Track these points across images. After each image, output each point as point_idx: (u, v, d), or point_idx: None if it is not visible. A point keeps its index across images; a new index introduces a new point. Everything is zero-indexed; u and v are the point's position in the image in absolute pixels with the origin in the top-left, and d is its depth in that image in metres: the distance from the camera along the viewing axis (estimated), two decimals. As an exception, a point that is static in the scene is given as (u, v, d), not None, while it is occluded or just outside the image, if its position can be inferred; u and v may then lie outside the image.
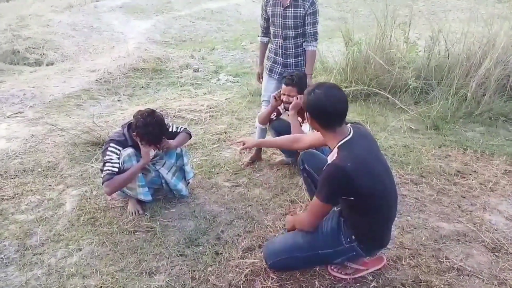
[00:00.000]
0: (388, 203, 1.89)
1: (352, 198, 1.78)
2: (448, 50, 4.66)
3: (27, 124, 4.32)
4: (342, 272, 2.14)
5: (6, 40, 7.45)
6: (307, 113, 1.87)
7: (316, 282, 2.10)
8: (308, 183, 2.41)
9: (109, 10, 11.00)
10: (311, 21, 3.04)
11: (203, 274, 2.18)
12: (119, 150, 2.60)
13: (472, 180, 3.05)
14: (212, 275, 2.18)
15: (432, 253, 2.30)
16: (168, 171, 2.80)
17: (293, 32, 3.11)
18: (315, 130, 1.98)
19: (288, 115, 2.96)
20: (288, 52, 3.21)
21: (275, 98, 3.01)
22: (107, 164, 2.54)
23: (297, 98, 2.82)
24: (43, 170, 3.31)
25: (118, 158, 2.58)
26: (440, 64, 4.71)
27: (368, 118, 4.23)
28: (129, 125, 2.66)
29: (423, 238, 2.43)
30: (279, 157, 3.41)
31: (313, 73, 3.37)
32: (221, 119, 4.37)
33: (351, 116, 4.32)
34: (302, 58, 3.22)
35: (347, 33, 5.09)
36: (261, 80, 3.45)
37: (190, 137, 2.97)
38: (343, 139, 1.81)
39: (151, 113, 2.55)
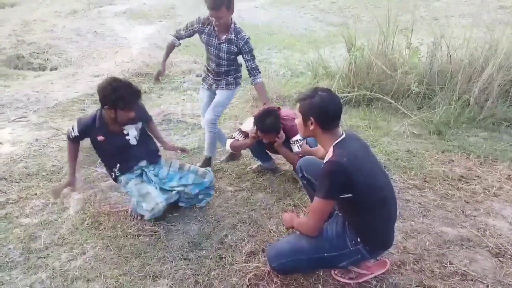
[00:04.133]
0: (385, 201, 1.90)
1: (350, 195, 1.79)
2: (450, 56, 4.68)
3: (31, 128, 4.35)
4: (346, 277, 2.14)
5: (11, 45, 7.49)
6: (311, 117, 1.89)
7: (320, 287, 2.10)
8: (308, 189, 2.43)
9: (113, 16, 11.07)
10: (249, 58, 3.09)
11: (207, 278, 2.19)
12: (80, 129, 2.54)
13: (476, 185, 3.05)
14: (216, 279, 2.18)
15: (436, 258, 2.30)
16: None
17: (226, 63, 3.18)
18: (309, 136, 2.00)
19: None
20: (220, 75, 3.26)
21: (253, 137, 2.99)
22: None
23: (278, 138, 2.92)
24: (47, 174, 3.33)
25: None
26: (443, 70, 4.72)
27: (371, 123, 4.24)
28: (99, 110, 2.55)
29: (427, 243, 2.43)
30: (256, 162, 3.43)
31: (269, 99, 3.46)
32: (223, 124, 4.38)
33: (354, 121, 4.33)
34: (233, 72, 3.28)
35: (350, 38, 5.11)
36: (159, 78, 3.40)
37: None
38: (337, 139, 1.88)
39: (114, 78, 2.44)
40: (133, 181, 2.64)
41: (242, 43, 3.04)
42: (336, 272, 2.18)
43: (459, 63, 4.56)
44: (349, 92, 4.76)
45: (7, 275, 2.24)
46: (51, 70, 6.94)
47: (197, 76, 6.39)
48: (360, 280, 2.12)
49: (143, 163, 2.71)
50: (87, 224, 2.67)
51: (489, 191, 2.96)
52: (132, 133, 2.60)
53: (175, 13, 11.84)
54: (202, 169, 2.83)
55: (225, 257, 2.34)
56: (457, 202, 2.85)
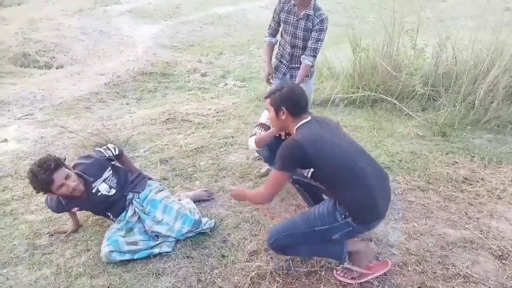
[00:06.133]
0: (361, 174, 1.93)
1: (312, 169, 1.96)
2: (455, 57, 4.66)
3: (37, 126, 4.39)
4: (348, 277, 2.14)
5: (17, 43, 7.54)
6: (282, 107, 2.05)
7: (322, 286, 2.11)
8: (302, 192, 2.45)
9: (118, 15, 11.12)
10: (315, 36, 3.06)
11: (209, 277, 2.20)
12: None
13: (480, 187, 3.04)
14: (218, 277, 2.19)
15: (439, 260, 2.30)
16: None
17: (301, 43, 3.15)
18: (282, 127, 2.15)
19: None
20: (294, 59, 3.25)
21: None
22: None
23: None
24: (53, 171, 3.35)
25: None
26: (448, 71, 4.70)
27: (375, 124, 4.24)
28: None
29: (430, 244, 2.43)
30: (265, 166, 3.36)
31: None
32: (228, 123, 4.39)
33: (358, 122, 4.33)
34: None
35: (354, 39, 5.11)
36: (271, 80, 3.46)
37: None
38: (302, 121, 2.05)
39: (31, 167, 2.25)
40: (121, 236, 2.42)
41: (318, 20, 3.02)
42: (338, 272, 2.18)
43: (465, 64, 4.54)
44: (353, 93, 4.76)
45: (12, 271, 2.27)
46: (57, 68, 6.99)
47: (201, 75, 6.41)
48: (362, 280, 2.13)
49: (130, 195, 2.55)
50: (91, 221, 2.70)
51: (493, 194, 2.95)
52: (103, 187, 2.43)
53: (180, 12, 11.87)
54: (205, 218, 2.65)
55: (228, 256, 2.35)
56: (460, 204, 2.85)
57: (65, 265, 2.30)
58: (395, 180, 3.15)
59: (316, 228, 2.00)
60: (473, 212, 2.75)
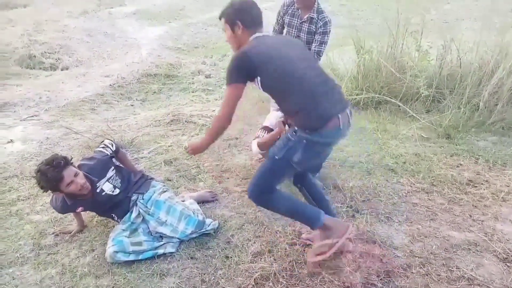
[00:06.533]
0: (304, 79, 1.97)
1: (259, 78, 2.00)
2: (460, 59, 4.65)
3: (42, 127, 4.42)
4: (318, 256, 2.13)
5: (23, 44, 7.61)
6: (237, 21, 2.08)
7: (326, 288, 2.11)
8: (304, 192, 2.47)
9: (123, 17, 11.18)
10: (319, 39, 3.07)
11: (213, 277, 2.21)
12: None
13: (484, 189, 3.03)
14: (222, 278, 2.20)
15: (443, 262, 2.29)
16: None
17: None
18: (241, 45, 2.11)
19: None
20: None
21: (283, 123, 2.90)
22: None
23: None
24: (58, 172, 3.38)
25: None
26: (452, 73, 4.69)
27: (379, 125, 4.23)
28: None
29: (434, 246, 2.42)
30: None
31: None
32: (232, 125, 4.37)
33: (362, 123, 4.32)
34: None
35: (358, 41, 5.11)
36: None
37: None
38: (256, 35, 2.09)
39: (38, 166, 2.29)
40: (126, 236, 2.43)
41: (321, 23, 3.03)
42: (308, 255, 2.20)
43: (469, 66, 4.53)
44: (357, 95, 4.76)
45: (18, 270, 2.29)
46: (62, 69, 7.03)
47: (205, 77, 6.43)
48: (332, 251, 2.09)
49: (134, 196, 2.56)
50: (96, 222, 2.71)
51: (497, 196, 2.94)
52: (107, 187, 2.47)
53: (185, 14, 11.92)
54: (209, 220, 2.65)
55: (232, 257, 2.36)
56: (465, 206, 2.84)
57: (70, 265, 2.32)
58: (399, 182, 3.15)
59: (275, 156, 2.04)
60: (477, 215, 2.74)
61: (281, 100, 2.08)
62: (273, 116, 3.03)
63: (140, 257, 2.34)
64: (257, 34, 2.10)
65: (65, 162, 2.28)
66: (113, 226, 2.60)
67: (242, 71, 2.00)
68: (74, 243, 2.51)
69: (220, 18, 2.19)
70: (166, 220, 2.48)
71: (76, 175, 2.28)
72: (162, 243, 2.43)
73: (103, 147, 2.60)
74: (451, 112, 4.14)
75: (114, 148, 2.63)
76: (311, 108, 1.95)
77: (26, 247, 2.48)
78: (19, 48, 7.45)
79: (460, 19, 9.22)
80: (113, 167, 2.55)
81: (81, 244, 2.50)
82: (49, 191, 2.34)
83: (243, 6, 2.11)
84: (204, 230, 2.54)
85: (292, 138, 1.99)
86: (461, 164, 3.42)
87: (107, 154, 2.56)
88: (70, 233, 2.59)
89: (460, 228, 2.60)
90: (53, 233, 2.61)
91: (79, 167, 2.42)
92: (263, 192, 2.12)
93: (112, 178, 2.50)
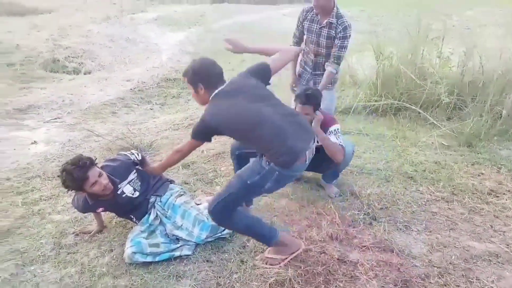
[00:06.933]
0: (264, 123, 2.03)
1: (225, 134, 2.21)
2: (482, 66, 4.56)
3: (65, 129, 4.54)
4: (267, 263, 2.31)
5: (48, 49, 7.85)
6: (196, 83, 2.16)
7: (341, 295, 2.09)
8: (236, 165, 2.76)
9: (145, 22, 11.42)
10: (339, 44, 3.05)
11: (228, 281, 2.22)
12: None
13: (506, 199, 2.95)
14: (237, 282, 2.21)
15: (462, 273, 2.24)
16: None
17: (324, 51, 3.16)
18: (199, 100, 2.26)
19: None
20: (317, 67, 3.27)
21: None
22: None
23: (316, 115, 2.81)
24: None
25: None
26: (474, 80, 4.60)
27: (398, 132, 4.18)
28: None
29: (453, 257, 2.37)
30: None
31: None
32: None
33: (380, 130, 4.28)
34: None
35: (378, 46, 5.07)
36: (294, 88, 3.47)
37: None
38: (214, 92, 2.15)
39: (64, 165, 2.32)
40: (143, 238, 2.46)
41: (340, 28, 3.02)
42: (258, 259, 2.35)
43: (492, 73, 4.44)
44: (376, 101, 4.71)
45: (39, 268, 2.35)
46: (85, 73, 7.22)
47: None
48: (281, 265, 2.28)
49: (152, 199, 2.61)
50: (115, 223, 2.76)
51: (520, 206, 2.86)
52: (128, 189, 2.51)
53: (205, 20, 12.08)
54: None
55: (247, 261, 2.36)
56: (486, 216, 2.77)
57: (89, 265, 2.36)
58: (418, 190, 3.10)
59: (248, 181, 2.10)
60: (499, 225, 2.67)
61: (252, 144, 2.19)
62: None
63: (157, 258, 2.37)
64: (215, 92, 2.15)
65: (90, 162, 2.34)
66: (131, 227, 2.64)
67: (202, 134, 2.21)
68: (93, 243, 2.56)
69: (183, 76, 2.27)
70: (181, 224, 2.51)
71: (100, 175, 2.34)
72: (178, 245, 2.45)
73: (130, 153, 2.66)
74: (472, 120, 4.05)
75: (139, 158, 2.67)
76: (279, 147, 2.02)
77: (47, 246, 2.54)
78: (44, 53, 7.68)
79: (483, 25, 9.04)
80: (134, 170, 2.60)
81: (100, 244, 2.55)
82: (72, 191, 2.40)
83: (202, 68, 2.17)
84: (220, 234, 2.55)
85: (265, 167, 2.07)
86: (482, 173, 3.34)
87: (131, 159, 2.61)
88: (90, 233, 2.64)
89: (481, 239, 2.54)
90: (73, 233, 2.67)
91: (102, 168, 2.48)
92: (226, 211, 2.20)
93: (133, 181, 2.55)
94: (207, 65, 2.19)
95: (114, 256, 2.43)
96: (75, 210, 2.66)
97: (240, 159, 2.74)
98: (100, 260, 2.40)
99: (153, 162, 3.62)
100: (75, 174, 2.26)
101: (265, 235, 2.29)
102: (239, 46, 2.46)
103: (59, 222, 2.79)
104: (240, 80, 2.21)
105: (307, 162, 2.14)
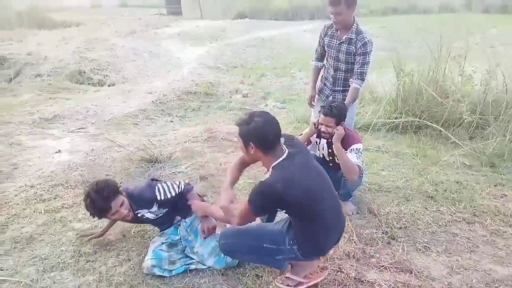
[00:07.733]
0: (322, 214, 1.98)
1: (284, 211, 2.01)
2: (506, 85, 4.47)
3: (88, 139, 4.66)
4: (285, 283, 2.20)
5: (74, 61, 8.14)
6: (250, 142, 1.96)
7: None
8: None
9: (168, 37, 11.72)
10: (360, 61, 3.05)
11: (243, 296, 2.21)
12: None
13: (531, 223, 2.86)
14: (252, 297, 2.20)
15: (484, 297, 2.17)
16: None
17: (344, 66, 3.17)
18: (253, 159, 2.10)
19: (319, 147, 3.10)
20: (336, 82, 3.27)
21: (314, 124, 2.97)
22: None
23: (337, 129, 2.79)
24: (100, 183, 3.54)
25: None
26: (498, 99, 4.51)
27: (419, 151, 4.12)
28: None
29: (474, 280, 2.31)
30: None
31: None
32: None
33: (400, 148, 4.23)
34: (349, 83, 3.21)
35: (399, 63, 5.05)
36: (312, 103, 3.48)
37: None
38: (277, 159, 1.97)
39: (87, 192, 2.32)
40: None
41: (360, 44, 3.01)
42: (277, 280, 2.25)
43: (516, 93, 4.35)
44: (396, 118, 4.68)
45: (58, 275, 2.40)
46: (109, 85, 7.45)
47: (243, 96, 6.56)
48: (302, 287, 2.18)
49: (178, 217, 2.63)
50: (133, 232, 2.80)
51: (546, 230, 2.76)
52: (149, 215, 2.51)
53: (226, 35, 12.30)
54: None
55: (262, 276, 2.36)
56: (508, 239, 2.69)
57: (107, 273, 2.40)
58: (439, 210, 3.04)
59: (264, 245, 2.09)
60: (523, 249, 2.59)
61: (294, 220, 2.04)
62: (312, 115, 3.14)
63: (173, 273, 2.39)
64: (279, 160, 1.96)
65: (115, 192, 2.35)
66: (150, 238, 2.68)
67: (269, 206, 2.03)
68: (112, 252, 2.60)
69: (236, 125, 2.05)
70: (197, 252, 2.49)
71: (122, 204, 2.35)
72: (194, 260, 2.47)
73: (176, 184, 2.53)
74: (495, 140, 3.96)
75: (177, 191, 2.51)
76: (317, 243, 2.03)
77: (67, 253, 2.59)
78: (70, 64, 7.97)
79: (507, 44, 8.89)
80: (156, 203, 2.49)
81: (118, 253, 2.59)
82: (97, 217, 2.39)
83: (258, 129, 1.93)
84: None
85: (287, 246, 2.04)
86: (505, 195, 3.26)
87: (155, 197, 2.44)
88: (89, 236, 2.71)
89: (503, 262, 2.46)
90: (76, 234, 2.75)
91: (127, 191, 2.46)
92: (234, 252, 2.24)
93: (154, 211, 2.53)
94: (265, 127, 1.94)
95: (132, 265, 2.46)
96: (95, 218, 2.68)
97: None
98: (118, 269, 2.43)
99: (171, 174, 3.68)
100: (98, 204, 2.28)
101: (275, 264, 2.21)
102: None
103: (79, 230, 2.85)
104: (302, 152, 2.09)
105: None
